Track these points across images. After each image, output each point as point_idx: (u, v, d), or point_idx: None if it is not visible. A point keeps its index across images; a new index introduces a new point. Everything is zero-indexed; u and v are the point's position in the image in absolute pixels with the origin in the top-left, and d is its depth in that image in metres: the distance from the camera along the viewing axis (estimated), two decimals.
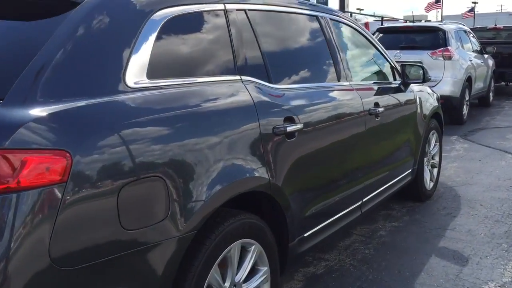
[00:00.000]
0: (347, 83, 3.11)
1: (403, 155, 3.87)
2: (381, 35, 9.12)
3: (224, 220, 2.02)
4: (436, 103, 4.55)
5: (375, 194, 3.41)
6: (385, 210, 4.33)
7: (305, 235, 2.61)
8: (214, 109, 2.02)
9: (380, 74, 3.86)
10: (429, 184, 4.58)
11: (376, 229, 3.92)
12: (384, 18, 14.24)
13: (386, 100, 3.52)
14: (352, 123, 2.97)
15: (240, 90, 2.19)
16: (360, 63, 3.67)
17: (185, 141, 1.84)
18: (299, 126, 2.44)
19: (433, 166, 4.74)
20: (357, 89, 3.15)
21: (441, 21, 17.50)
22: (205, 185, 1.88)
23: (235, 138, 2.06)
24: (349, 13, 13.41)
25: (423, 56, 8.29)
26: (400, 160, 3.81)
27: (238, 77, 2.24)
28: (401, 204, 4.49)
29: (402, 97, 3.82)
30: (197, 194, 1.85)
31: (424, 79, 3.83)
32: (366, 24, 14.28)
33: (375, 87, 3.50)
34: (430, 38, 8.61)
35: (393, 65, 3.95)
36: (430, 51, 8.30)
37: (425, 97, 4.33)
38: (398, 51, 8.50)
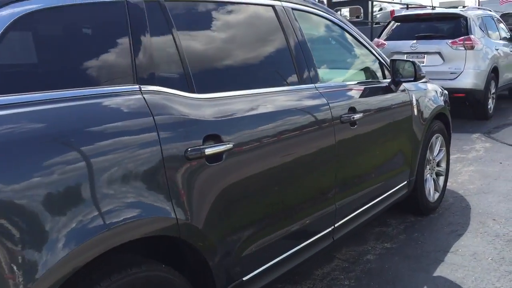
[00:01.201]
0: (311, 86, 2.58)
1: (393, 167, 3.31)
2: (397, 24, 8.44)
3: (101, 279, 1.54)
4: (440, 103, 3.95)
5: (353, 217, 2.87)
6: (380, 227, 3.77)
7: (245, 278, 2.11)
8: (83, 132, 1.54)
9: (363, 73, 3.31)
10: (433, 196, 3.99)
11: (363, 251, 3.37)
12: (410, 6, 13.41)
13: (368, 103, 2.97)
14: (312, 136, 2.43)
15: (134, 105, 1.70)
16: (336, 61, 3.14)
17: (32, 180, 1.37)
18: (227, 146, 1.93)
19: (438, 175, 4.14)
20: (324, 93, 2.62)
21: (479, 6, 16.46)
22: (56, 239, 1.40)
23: (117, 170, 1.58)
24: (371, 1, 12.65)
25: (441, 46, 7.61)
26: (389, 173, 3.26)
27: (136, 87, 1.75)
28: (400, 218, 3.92)
29: (391, 98, 3.25)
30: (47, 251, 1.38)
31: (416, 77, 3.25)
32: (392, 13, 13.48)
33: (353, 89, 2.95)
34: (451, 26, 7.89)
35: (382, 61, 3.38)
36: (450, 40, 7.59)
37: (425, 96, 3.74)
38: (415, 41, 7.84)
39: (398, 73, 3.29)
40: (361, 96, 2.95)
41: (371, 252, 3.36)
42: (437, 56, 7.65)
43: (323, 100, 2.57)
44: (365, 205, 2.98)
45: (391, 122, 3.21)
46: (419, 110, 3.57)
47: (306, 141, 2.39)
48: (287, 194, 2.30)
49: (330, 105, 2.60)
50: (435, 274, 3.05)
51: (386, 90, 3.26)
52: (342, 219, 2.76)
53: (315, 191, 2.51)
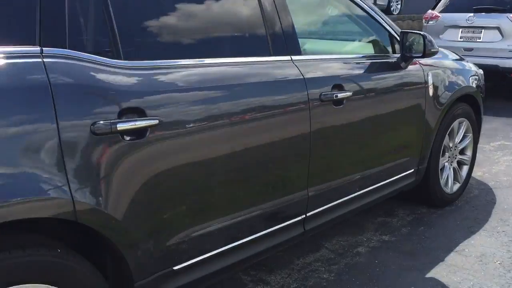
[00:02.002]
0: (285, 58, 2.29)
1: (393, 153, 2.97)
2: None
3: None
4: (468, 83, 3.51)
5: (332, 207, 2.59)
6: (384, 217, 3.45)
7: (176, 268, 1.91)
8: None
9: (365, 46, 2.96)
10: (451, 187, 3.60)
11: (356, 243, 3.09)
12: None
13: (362, 80, 2.64)
14: (276, 114, 2.16)
15: (28, 70, 1.51)
16: (330, 31, 2.81)
17: None
18: (151, 122, 1.72)
19: (461, 164, 3.73)
20: (302, 66, 2.32)
21: None
22: None
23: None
24: None
25: (501, 20, 6.91)
26: (387, 160, 2.92)
27: (36, 49, 1.55)
28: (410, 209, 3.57)
29: (397, 76, 2.88)
30: None
31: (425, 53, 2.85)
32: None
33: (344, 63, 2.63)
34: None
35: (394, 34, 3.00)
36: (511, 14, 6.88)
37: (447, 75, 3.31)
38: (472, 14, 7.16)
39: (409, 47, 2.90)
40: (354, 72, 2.63)
41: (364, 244, 3.07)
42: (496, 32, 6.96)
43: (297, 75, 2.28)
44: (349, 195, 2.68)
45: (394, 103, 2.86)
46: (435, 92, 3.17)
47: (267, 121, 2.12)
48: (234, 181, 2.05)
49: (307, 80, 2.30)
50: (428, 275, 2.73)
51: (393, 66, 2.90)
52: (317, 208, 2.49)
53: (278, 177, 2.25)
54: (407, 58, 2.93)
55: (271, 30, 2.26)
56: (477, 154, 4.79)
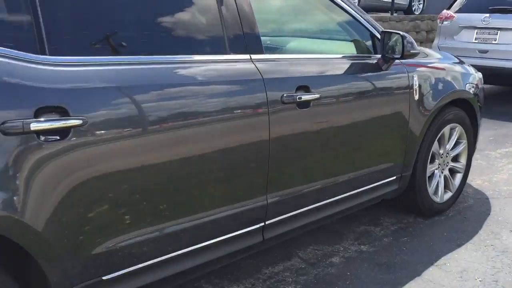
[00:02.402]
0: (244, 57, 2.16)
1: (370, 160, 2.80)
2: None
3: None
4: (461, 87, 3.31)
5: (295, 215, 2.44)
6: (367, 225, 3.29)
7: (106, 277, 1.81)
8: None
9: (341, 45, 2.81)
10: (441, 195, 3.41)
11: (332, 252, 2.94)
12: None
13: (332, 82, 2.49)
14: (226, 118, 2.03)
15: None
16: (301, 29, 2.66)
17: None
18: (74, 122, 1.61)
19: (453, 171, 3.53)
20: (262, 66, 2.19)
21: None
22: None
23: None
24: None
25: None
26: (362, 166, 2.75)
27: None
28: (396, 217, 3.40)
29: (376, 78, 2.72)
30: None
31: (403, 54, 2.67)
32: None
33: (314, 64, 2.48)
34: None
35: (374, 32, 2.83)
36: None
37: (436, 78, 3.13)
38: (487, 14, 6.88)
39: (391, 48, 2.73)
40: (324, 73, 2.48)
41: (339, 254, 2.92)
42: None
43: (255, 74, 2.15)
44: (317, 202, 2.53)
45: (371, 106, 2.69)
46: (422, 95, 2.99)
47: (215, 124, 1.99)
48: (175, 186, 1.93)
49: (266, 80, 2.17)
50: None
51: (372, 68, 2.74)
52: (278, 216, 2.35)
53: (229, 183, 2.12)
54: (388, 59, 2.76)
55: (229, 25, 2.13)
56: (480, 161, 4.60)
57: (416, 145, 3.05)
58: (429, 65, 3.16)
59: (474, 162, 4.57)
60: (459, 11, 7.35)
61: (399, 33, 2.67)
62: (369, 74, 2.69)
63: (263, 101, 2.14)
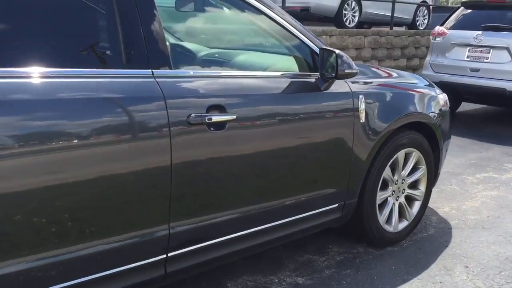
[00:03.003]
0: (144, 72, 1.98)
1: (301, 187, 2.59)
2: (467, 11, 7.23)
3: None
4: (418, 110, 3.10)
5: (205, 247, 2.24)
6: (311, 254, 3.07)
7: None
8: None
9: (271, 61, 2.61)
10: (395, 225, 3.18)
11: (264, 284, 2.72)
12: None
13: (255, 101, 2.29)
14: (123, 138, 1.85)
15: None
16: (228, 43, 2.47)
17: None
18: None
19: (410, 199, 3.31)
20: (166, 82, 2.01)
21: None
22: None
23: None
24: None
25: (511, 41, 6.37)
26: (290, 193, 2.54)
27: None
28: (347, 247, 3.17)
29: (310, 98, 2.52)
30: None
31: (337, 73, 2.47)
32: None
33: (233, 81, 2.29)
34: None
35: (315, 49, 2.63)
36: None
37: (387, 100, 2.92)
38: (480, 32, 6.65)
39: (330, 66, 2.53)
40: (246, 92, 2.28)
41: (271, 287, 2.70)
42: (505, 52, 6.42)
43: (154, 91, 1.96)
44: (233, 233, 2.32)
45: (304, 129, 2.49)
46: (369, 118, 2.78)
47: (98, 146, 1.80)
48: (61, 213, 1.75)
49: (167, 98, 1.98)
50: None
51: (306, 87, 2.54)
52: (183, 247, 2.15)
53: (125, 210, 1.93)
54: (327, 78, 2.56)
55: (127, 37, 1.95)
56: (454, 187, 4.37)
57: (362, 171, 2.84)
58: (380, 85, 2.95)
59: (447, 187, 4.35)
60: (453, 27, 7.13)
61: (334, 51, 2.47)
62: (302, 93, 2.49)
63: (162, 121, 1.95)
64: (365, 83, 2.84)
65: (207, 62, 2.63)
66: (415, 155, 3.19)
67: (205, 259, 2.26)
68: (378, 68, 3.45)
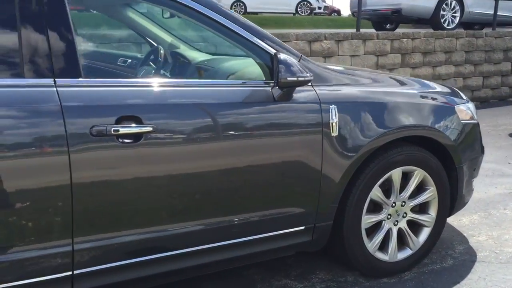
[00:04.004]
0: (44, 81, 1.89)
1: (248, 204, 2.33)
2: None
3: None
4: (421, 122, 2.69)
5: (120, 267, 2.09)
6: (292, 279, 2.78)
7: None
8: None
9: (214, 66, 2.38)
10: (392, 253, 2.78)
11: None
12: None
13: (177, 112, 2.10)
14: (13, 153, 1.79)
15: None
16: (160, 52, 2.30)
17: None
18: None
19: (416, 225, 2.87)
20: (68, 92, 1.91)
21: None
22: None
23: None
24: None
25: None
26: (221, 213, 2.26)
27: None
28: (334, 273, 2.83)
29: (259, 109, 2.27)
30: None
31: (279, 81, 2.17)
32: None
33: (157, 90, 2.12)
34: None
35: (266, 49, 2.34)
36: None
37: (373, 110, 2.56)
38: None
39: (291, 71, 2.25)
40: (168, 102, 2.10)
41: None
42: None
43: (52, 102, 1.87)
44: (148, 255, 2.13)
45: (247, 144, 2.24)
46: (344, 131, 2.44)
47: None
48: None
49: (65, 108, 1.88)
50: None
51: (255, 97, 2.28)
52: (93, 266, 2.03)
53: (26, 223, 1.87)
54: (282, 86, 2.29)
55: (30, 44, 1.88)
56: (507, 212, 3.75)
57: (336, 191, 2.50)
58: (363, 94, 2.59)
59: (498, 211, 3.77)
60: None
61: (276, 55, 2.19)
62: (247, 103, 2.25)
63: (59, 132, 1.86)
64: (341, 91, 2.52)
65: (134, 70, 2.50)
66: (419, 174, 2.76)
67: (121, 279, 2.12)
68: (376, 74, 3.06)
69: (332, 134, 2.42)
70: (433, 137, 2.76)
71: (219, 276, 2.74)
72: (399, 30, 8.20)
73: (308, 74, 2.24)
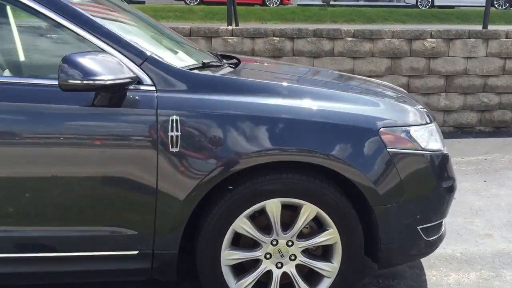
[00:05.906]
0: None
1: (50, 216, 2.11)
2: None
3: None
4: (310, 146, 2.14)
5: None
6: None
7: None
8: None
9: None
10: None
11: None
12: None
13: None
14: None
15: None
16: None
17: None
18: None
19: (316, 273, 2.31)
20: None
21: None
22: None
23: None
24: None
25: None
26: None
27: None
28: None
29: (65, 115, 2.04)
30: None
31: (59, 84, 1.86)
32: None
33: None
34: None
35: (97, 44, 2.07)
36: None
37: (235, 124, 2.10)
38: None
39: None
40: None
41: None
42: None
43: None
44: None
45: (49, 152, 2.03)
46: (188, 150, 2.06)
47: None
48: None
49: None
50: None
51: (67, 100, 2.01)
52: None
53: None
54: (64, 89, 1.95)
55: None
56: None
57: (180, 216, 2.13)
58: (232, 105, 2.14)
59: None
60: None
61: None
62: (50, 107, 2.03)
63: None
64: (201, 100, 2.12)
65: None
66: (308, 210, 2.20)
67: None
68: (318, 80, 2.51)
69: (171, 149, 2.06)
70: (330, 167, 2.17)
71: None
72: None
73: (106, 78, 1.90)
